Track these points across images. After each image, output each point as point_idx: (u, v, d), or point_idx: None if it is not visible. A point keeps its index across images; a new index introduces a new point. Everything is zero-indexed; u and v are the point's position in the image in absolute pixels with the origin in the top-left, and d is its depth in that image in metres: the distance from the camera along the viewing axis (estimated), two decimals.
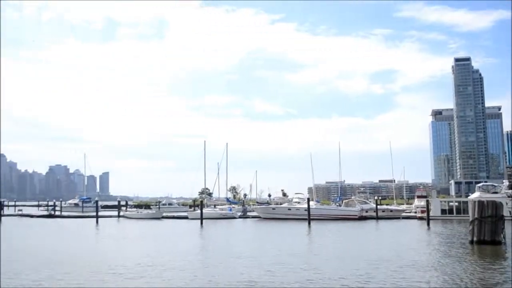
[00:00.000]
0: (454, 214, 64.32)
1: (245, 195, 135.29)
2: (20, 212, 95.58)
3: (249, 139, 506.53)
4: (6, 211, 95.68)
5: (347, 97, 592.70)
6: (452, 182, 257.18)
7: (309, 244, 39.94)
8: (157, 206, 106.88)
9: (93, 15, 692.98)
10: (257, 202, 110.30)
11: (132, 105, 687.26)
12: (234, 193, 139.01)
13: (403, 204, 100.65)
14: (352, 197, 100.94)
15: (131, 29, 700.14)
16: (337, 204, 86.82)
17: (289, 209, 73.69)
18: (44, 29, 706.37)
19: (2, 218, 76.41)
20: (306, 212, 63.40)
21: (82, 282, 20.46)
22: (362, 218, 69.83)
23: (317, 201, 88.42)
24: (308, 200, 68.61)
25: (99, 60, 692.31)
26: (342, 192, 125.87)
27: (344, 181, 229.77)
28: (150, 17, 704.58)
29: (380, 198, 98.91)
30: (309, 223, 58.85)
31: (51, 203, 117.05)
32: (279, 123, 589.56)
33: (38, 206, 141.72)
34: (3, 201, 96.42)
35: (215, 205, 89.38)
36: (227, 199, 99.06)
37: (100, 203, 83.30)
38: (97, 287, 19.70)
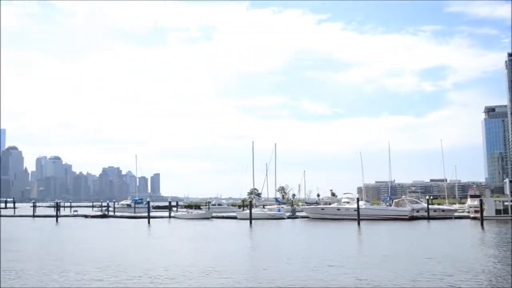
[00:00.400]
0: (510, 214, 62.47)
1: (293, 195, 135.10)
2: (75, 213, 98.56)
3: (297, 139, 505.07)
4: (62, 211, 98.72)
5: (396, 96, 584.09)
6: (506, 180, 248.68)
7: (359, 244, 39.66)
8: (207, 207, 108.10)
9: (143, 21, 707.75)
10: (306, 202, 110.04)
11: (182, 107, 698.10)
12: (283, 194, 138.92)
13: (455, 203, 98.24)
14: (403, 196, 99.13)
15: (180, 34, 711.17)
16: (387, 204, 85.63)
17: (338, 209, 73.21)
18: (94, 34, 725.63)
19: (59, 218, 78.82)
20: (356, 212, 62.86)
21: (136, 282, 21.02)
22: (413, 218, 68.68)
23: (367, 201, 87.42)
24: (358, 200, 68.02)
25: (149, 64, 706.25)
26: (392, 191, 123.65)
27: (394, 180, 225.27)
28: (198, 21, 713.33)
29: (431, 197, 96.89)
30: (358, 223, 58.32)
31: (104, 204, 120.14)
32: (327, 123, 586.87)
33: (92, 207, 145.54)
34: (59, 202, 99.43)
35: (264, 205, 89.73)
36: (276, 199, 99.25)
37: (151, 203, 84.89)
38: (153, 287, 20.19)
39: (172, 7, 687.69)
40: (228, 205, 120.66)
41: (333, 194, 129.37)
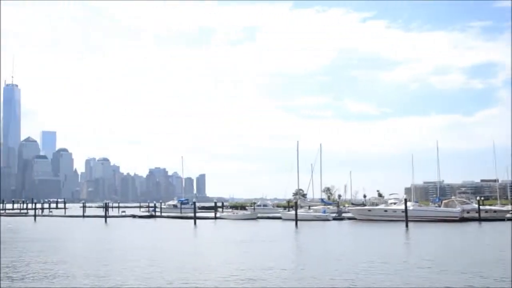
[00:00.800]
0: None
1: (339, 196, 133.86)
2: (123, 213, 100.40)
3: (343, 139, 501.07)
4: (110, 212, 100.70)
5: (443, 94, 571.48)
6: None
7: (408, 247, 38.80)
8: (252, 208, 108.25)
9: (188, 23, 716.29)
10: (352, 203, 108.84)
11: (226, 107, 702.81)
12: (329, 194, 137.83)
13: (507, 204, 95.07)
14: (452, 197, 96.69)
15: (224, 35, 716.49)
16: (436, 204, 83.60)
17: (386, 211, 71.86)
18: (144, 37, 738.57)
19: (108, 219, 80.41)
20: (403, 214, 61.47)
21: (186, 282, 21.09)
22: (463, 220, 66.77)
23: (415, 202, 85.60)
24: (405, 200, 66.66)
25: (193, 65, 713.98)
26: (441, 192, 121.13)
27: (443, 180, 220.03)
28: (242, 22, 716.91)
29: (482, 198, 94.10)
30: (406, 225, 57.00)
31: (151, 204, 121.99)
32: (373, 122, 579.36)
33: (140, 207, 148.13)
34: (108, 203, 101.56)
35: (309, 206, 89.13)
36: (322, 200, 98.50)
37: (197, 204, 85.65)
38: (202, 287, 20.20)
39: (216, 8, 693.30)
40: (273, 206, 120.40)
41: (379, 195, 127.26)
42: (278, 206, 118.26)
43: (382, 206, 75.88)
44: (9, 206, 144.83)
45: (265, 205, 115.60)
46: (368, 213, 73.04)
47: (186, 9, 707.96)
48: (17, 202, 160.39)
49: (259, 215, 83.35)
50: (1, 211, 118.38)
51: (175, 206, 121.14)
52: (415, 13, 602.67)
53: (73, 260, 28.23)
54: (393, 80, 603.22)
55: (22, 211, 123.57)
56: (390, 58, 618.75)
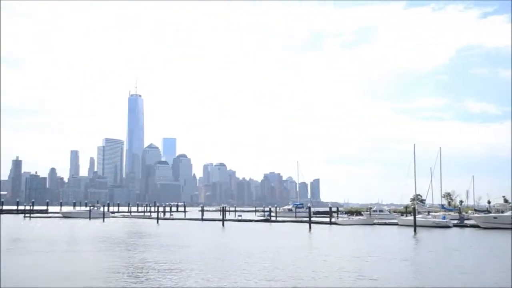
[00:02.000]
0: None
1: (461, 201, 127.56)
2: (239, 217, 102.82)
3: (463, 142, 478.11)
4: (227, 215, 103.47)
5: None
6: None
7: None
8: (368, 213, 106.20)
9: (299, 27, 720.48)
10: (475, 210, 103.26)
11: (339, 112, 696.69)
12: (449, 200, 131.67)
13: None
14: None
15: (336, 39, 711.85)
16: None
17: None
18: (256, 43, 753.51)
19: (225, 222, 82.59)
20: None
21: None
22: None
23: None
24: None
25: (306, 69, 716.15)
26: None
27: None
28: (353, 24, 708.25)
29: None
30: None
31: (266, 208, 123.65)
32: (497, 123, 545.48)
33: (255, 211, 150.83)
34: (225, 207, 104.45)
35: (428, 212, 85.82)
36: (442, 206, 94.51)
37: (311, 209, 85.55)
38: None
39: (328, 12, 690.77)
40: (389, 211, 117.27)
41: (505, 201, 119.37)
42: (394, 212, 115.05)
43: (509, 213, 71.04)
44: (134, 209, 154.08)
45: (381, 211, 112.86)
46: (494, 220, 68.69)
47: (298, 14, 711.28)
48: (141, 205, 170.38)
49: (375, 221, 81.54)
50: (128, 214, 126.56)
51: (290, 210, 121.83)
52: None
53: (202, 261, 29.35)
54: None
55: (145, 213, 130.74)
56: None
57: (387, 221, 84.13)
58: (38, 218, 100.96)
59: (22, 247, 39.17)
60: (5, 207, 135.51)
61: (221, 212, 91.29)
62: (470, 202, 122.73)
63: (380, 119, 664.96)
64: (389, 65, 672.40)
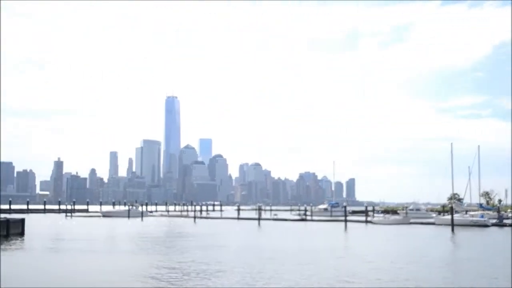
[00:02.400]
0: None
1: (499, 201, 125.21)
2: (275, 216, 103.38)
3: (503, 140, 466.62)
4: (263, 215, 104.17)
5: None
6: None
7: None
8: (405, 212, 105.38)
9: (338, 27, 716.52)
10: None
11: (376, 111, 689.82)
12: (487, 199, 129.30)
13: None
14: None
15: (372, 38, 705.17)
16: None
17: None
18: (292, 44, 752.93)
19: (261, 221, 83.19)
20: None
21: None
22: None
23: None
24: None
25: (340, 70, 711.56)
26: None
27: None
28: (390, 23, 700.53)
29: None
30: None
31: (302, 208, 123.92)
32: None
33: (291, 210, 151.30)
34: (260, 206, 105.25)
35: (466, 211, 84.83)
36: (480, 205, 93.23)
37: (347, 208, 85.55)
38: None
39: (364, 11, 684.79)
40: (426, 210, 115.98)
41: None
42: (431, 211, 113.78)
43: None
44: (171, 208, 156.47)
45: (417, 210, 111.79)
46: None
47: (333, 13, 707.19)
48: (178, 205, 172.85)
49: (411, 220, 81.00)
50: (166, 213, 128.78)
51: (325, 209, 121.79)
52: None
53: (239, 261, 30.17)
54: None
55: (183, 213, 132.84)
56: None
57: (423, 220, 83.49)
58: (78, 217, 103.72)
59: (64, 246, 40.65)
60: (47, 207, 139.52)
61: (257, 211, 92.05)
62: (509, 201, 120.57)
63: (417, 117, 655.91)
64: (425, 64, 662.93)
